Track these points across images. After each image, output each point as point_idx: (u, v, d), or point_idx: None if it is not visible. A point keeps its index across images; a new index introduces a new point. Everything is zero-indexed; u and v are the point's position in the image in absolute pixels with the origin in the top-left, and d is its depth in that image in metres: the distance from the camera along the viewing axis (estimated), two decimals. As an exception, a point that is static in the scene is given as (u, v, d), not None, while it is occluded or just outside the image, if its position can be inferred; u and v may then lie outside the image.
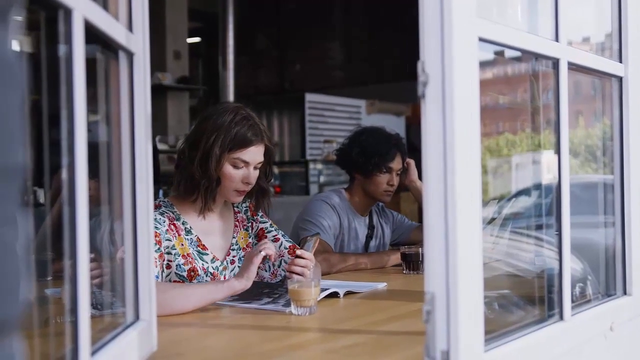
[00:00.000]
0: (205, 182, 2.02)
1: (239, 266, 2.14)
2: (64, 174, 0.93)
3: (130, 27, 1.25)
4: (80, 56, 0.94)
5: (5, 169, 0.51)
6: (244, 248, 2.20)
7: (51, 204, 1.73)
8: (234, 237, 2.18)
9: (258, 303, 1.88)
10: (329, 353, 1.43)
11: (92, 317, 0.98)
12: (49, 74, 0.97)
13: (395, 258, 2.69)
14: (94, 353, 1.01)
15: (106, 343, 1.11)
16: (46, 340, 1.10)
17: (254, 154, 2.05)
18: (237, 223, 2.21)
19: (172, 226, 2.03)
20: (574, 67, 1.48)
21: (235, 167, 2.04)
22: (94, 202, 1.07)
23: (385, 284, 2.24)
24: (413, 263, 2.52)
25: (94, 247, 1.02)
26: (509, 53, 1.43)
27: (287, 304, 1.81)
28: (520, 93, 1.87)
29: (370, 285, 2.20)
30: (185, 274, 2.01)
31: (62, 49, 0.94)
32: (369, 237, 2.97)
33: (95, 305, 1.23)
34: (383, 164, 2.81)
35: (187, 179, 2.05)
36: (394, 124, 6.09)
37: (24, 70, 0.56)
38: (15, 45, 0.56)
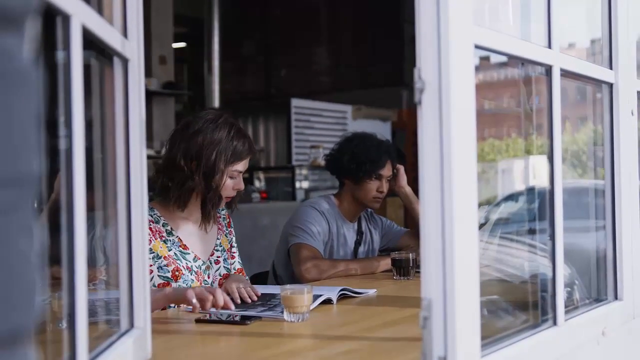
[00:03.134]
0: (212, 196, 2.11)
1: (224, 266, 2.25)
2: (62, 181, 0.92)
3: (125, 33, 1.24)
4: (78, 62, 0.93)
5: (22, 178, 0.51)
6: (227, 250, 2.29)
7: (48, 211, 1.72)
8: (218, 239, 2.27)
9: (255, 311, 1.86)
10: (324, 360, 1.42)
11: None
12: (45, 79, 0.96)
13: (385, 264, 2.69)
14: (90, 362, 1.00)
15: (102, 351, 1.10)
16: (40, 349, 1.09)
17: (247, 163, 2.19)
18: (220, 226, 2.30)
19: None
20: (565, 73, 1.49)
21: (232, 177, 2.15)
22: (88, 208, 1.06)
23: (375, 290, 2.24)
24: (403, 269, 2.52)
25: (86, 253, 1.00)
26: (494, 58, 1.44)
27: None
28: (506, 98, 1.88)
29: (361, 292, 2.19)
30: (169, 274, 2.07)
31: (59, 55, 0.93)
32: (357, 243, 2.96)
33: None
34: (374, 170, 2.81)
35: (186, 191, 2.10)
36: (380, 130, 6.08)
37: (39, 79, 0.55)
38: (31, 54, 0.55)
